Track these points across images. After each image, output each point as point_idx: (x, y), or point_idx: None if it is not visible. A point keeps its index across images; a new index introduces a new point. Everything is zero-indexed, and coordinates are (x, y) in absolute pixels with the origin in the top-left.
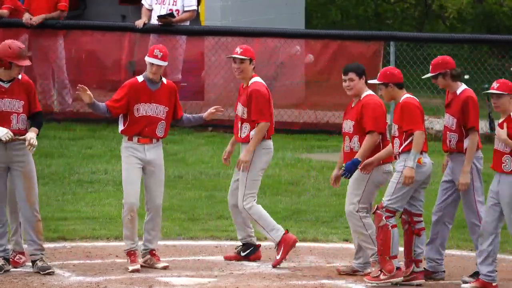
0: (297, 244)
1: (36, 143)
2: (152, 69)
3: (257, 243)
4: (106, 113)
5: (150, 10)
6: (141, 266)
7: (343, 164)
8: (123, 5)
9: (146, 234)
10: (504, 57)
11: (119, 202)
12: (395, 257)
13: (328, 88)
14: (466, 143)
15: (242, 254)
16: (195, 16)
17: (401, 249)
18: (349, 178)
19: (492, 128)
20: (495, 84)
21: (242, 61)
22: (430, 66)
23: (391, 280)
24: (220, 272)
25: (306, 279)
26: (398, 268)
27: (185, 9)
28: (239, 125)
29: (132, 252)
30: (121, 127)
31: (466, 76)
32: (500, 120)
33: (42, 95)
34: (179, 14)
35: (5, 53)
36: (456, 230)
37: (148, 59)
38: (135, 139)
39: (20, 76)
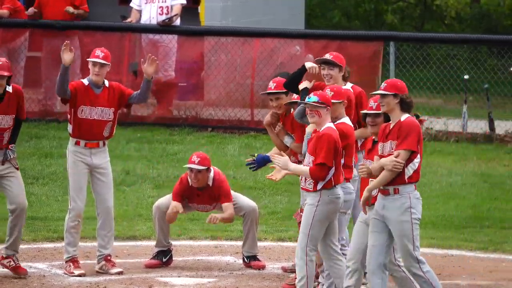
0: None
1: None
2: (95, 69)
3: None
4: (65, 88)
5: (139, 11)
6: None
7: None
8: (123, 6)
9: (100, 239)
10: (504, 57)
11: (118, 202)
12: None
13: None
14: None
15: None
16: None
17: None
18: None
19: (492, 128)
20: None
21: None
22: None
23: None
24: (220, 272)
25: None
26: None
27: (173, 3)
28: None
29: (75, 259)
30: (69, 129)
31: (466, 76)
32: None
33: (44, 95)
34: (169, 10)
35: None
36: (456, 230)
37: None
38: (83, 143)
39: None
